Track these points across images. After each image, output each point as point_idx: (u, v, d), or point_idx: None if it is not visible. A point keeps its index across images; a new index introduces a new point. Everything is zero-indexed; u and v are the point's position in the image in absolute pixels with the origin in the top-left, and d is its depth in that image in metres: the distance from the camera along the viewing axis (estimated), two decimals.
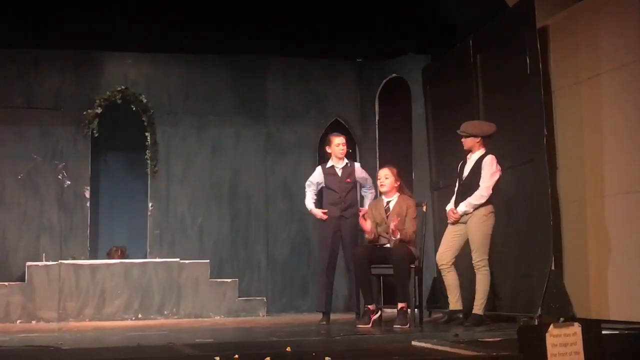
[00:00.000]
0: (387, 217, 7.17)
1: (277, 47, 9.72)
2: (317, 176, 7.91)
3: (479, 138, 7.00)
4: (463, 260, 7.04)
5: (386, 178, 7.27)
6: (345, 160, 7.89)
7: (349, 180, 7.81)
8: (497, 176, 6.89)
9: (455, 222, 7.00)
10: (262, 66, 10.16)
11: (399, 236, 6.89)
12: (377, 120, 10.25)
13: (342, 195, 7.76)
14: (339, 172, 7.82)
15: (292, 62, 10.23)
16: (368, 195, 8.11)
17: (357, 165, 8.03)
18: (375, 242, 7.19)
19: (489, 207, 6.89)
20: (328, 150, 7.92)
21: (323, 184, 7.89)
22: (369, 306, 7.07)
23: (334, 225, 7.74)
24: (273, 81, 10.20)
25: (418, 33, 9.14)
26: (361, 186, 8.18)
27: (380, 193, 7.44)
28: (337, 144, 7.85)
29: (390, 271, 6.93)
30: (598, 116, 6.64)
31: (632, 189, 6.23)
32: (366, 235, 7.27)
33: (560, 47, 7.10)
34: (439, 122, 8.87)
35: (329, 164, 7.90)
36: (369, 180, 8.09)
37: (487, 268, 6.84)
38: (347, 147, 8.06)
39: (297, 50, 9.82)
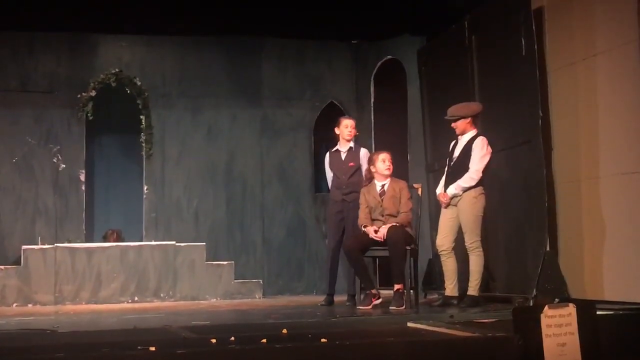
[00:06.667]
0: (381, 200, 7.17)
1: (273, 29, 9.67)
2: (327, 159, 7.89)
3: (469, 118, 6.96)
4: (458, 243, 7.03)
5: (391, 163, 7.27)
6: (351, 144, 7.81)
7: (352, 164, 7.70)
8: (487, 159, 6.83)
9: (447, 206, 6.99)
10: (257, 48, 10.12)
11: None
12: (372, 102, 10.21)
13: (344, 179, 7.66)
14: (343, 156, 7.73)
15: (287, 44, 10.18)
16: None
17: (363, 151, 7.80)
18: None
19: (479, 189, 6.83)
20: (337, 132, 7.83)
21: None
22: (371, 291, 7.10)
23: (338, 209, 7.69)
24: (268, 63, 10.16)
25: (413, 14, 9.08)
26: None
27: (372, 177, 7.34)
28: (346, 125, 7.75)
29: (385, 253, 6.95)
30: (594, 97, 6.63)
31: (627, 169, 6.23)
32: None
33: (556, 28, 7.08)
34: (434, 103, 8.83)
35: (335, 148, 7.85)
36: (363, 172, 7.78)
37: (480, 249, 6.81)
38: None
39: (292, 32, 9.78)
